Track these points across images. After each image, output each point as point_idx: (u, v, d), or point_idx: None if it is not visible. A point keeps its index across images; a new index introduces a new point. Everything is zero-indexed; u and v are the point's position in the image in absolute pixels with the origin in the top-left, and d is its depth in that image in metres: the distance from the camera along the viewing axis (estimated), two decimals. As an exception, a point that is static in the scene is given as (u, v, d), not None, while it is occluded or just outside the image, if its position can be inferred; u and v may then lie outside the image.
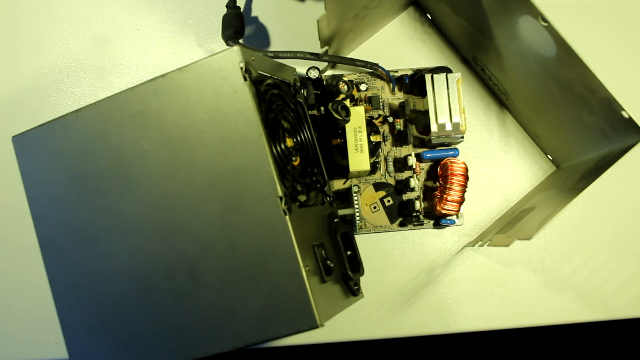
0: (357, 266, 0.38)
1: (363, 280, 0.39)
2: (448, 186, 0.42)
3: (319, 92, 0.43)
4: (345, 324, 0.44)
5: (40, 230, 0.37)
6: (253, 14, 0.47)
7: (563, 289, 0.45)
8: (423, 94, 0.43)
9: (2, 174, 0.46)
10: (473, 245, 0.44)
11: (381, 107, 0.45)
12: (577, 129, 0.38)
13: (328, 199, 0.39)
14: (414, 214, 0.44)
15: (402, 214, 0.44)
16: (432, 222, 0.44)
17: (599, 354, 0.80)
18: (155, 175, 0.34)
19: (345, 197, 0.43)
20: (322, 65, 0.44)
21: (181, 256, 0.33)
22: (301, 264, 0.31)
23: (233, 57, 0.32)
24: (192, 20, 0.47)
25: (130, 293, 0.35)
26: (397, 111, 0.45)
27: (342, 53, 0.45)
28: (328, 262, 0.34)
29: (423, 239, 0.45)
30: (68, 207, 0.36)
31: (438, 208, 0.42)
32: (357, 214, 0.42)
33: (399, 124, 0.45)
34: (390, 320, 0.45)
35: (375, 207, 0.45)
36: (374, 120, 0.44)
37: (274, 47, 0.47)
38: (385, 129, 0.45)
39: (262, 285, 0.32)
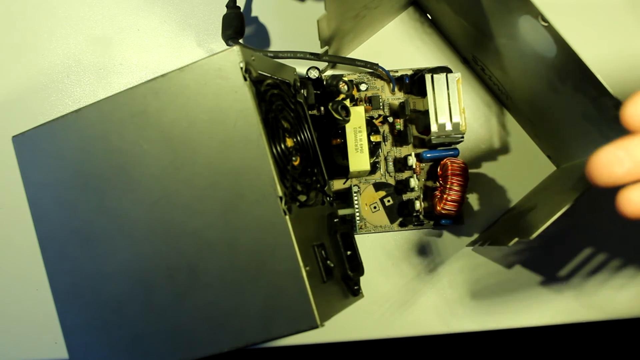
0: (357, 266, 0.38)
1: (363, 280, 0.39)
2: (448, 186, 0.42)
3: (319, 92, 0.44)
4: (345, 324, 0.44)
5: (40, 231, 0.37)
6: (253, 14, 0.47)
7: (563, 289, 0.45)
8: (423, 94, 0.43)
9: (2, 174, 0.46)
10: (473, 245, 0.44)
11: (381, 107, 0.45)
12: (577, 129, 0.38)
13: (328, 199, 0.39)
14: (414, 214, 0.44)
15: (402, 214, 0.44)
16: (432, 222, 0.44)
17: (599, 354, 0.80)
18: (155, 175, 0.34)
19: (345, 197, 0.43)
20: (322, 65, 0.44)
21: (181, 256, 0.33)
22: (301, 264, 0.31)
23: (233, 57, 0.32)
24: (192, 20, 0.47)
25: (131, 293, 0.35)
26: (397, 111, 0.45)
27: (342, 53, 0.45)
28: (328, 262, 0.34)
29: (423, 239, 0.45)
30: (68, 207, 0.36)
31: (438, 208, 0.42)
32: (357, 214, 0.42)
33: (399, 124, 0.45)
34: (390, 320, 0.45)
35: (375, 207, 0.45)
36: (374, 120, 0.44)
37: (274, 47, 0.47)
38: (385, 129, 0.45)
39: (262, 285, 0.32)
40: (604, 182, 0.25)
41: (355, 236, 0.40)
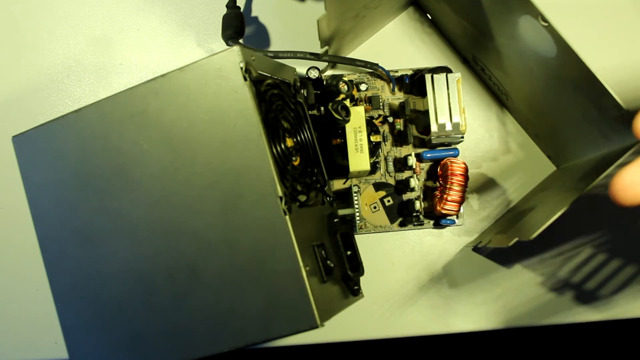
0: (357, 266, 0.38)
1: (363, 280, 0.39)
2: (448, 186, 0.42)
3: (319, 92, 0.43)
4: (345, 324, 0.44)
5: (40, 230, 0.37)
6: (253, 14, 0.47)
7: (563, 289, 0.45)
8: (423, 94, 0.43)
9: (2, 174, 0.46)
10: (473, 245, 0.44)
11: (381, 107, 0.45)
12: (577, 129, 0.38)
13: (328, 199, 0.39)
14: (414, 214, 0.44)
15: (402, 214, 0.44)
16: (432, 222, 0.44)
17: (599, 354, 0.80)
18: (155, 175, 0.34)
19: (345, 197, 0.43)
20: (322, 65, 0.44)
21: (181, 256, 0.33)
22: (301, 264, 0.31)
23: (233, 57, 0.32)
24: (192, 20, 0.47)
25: (131, 293, 0.35)
26: (397, 111, 0.45)
27: (342, 53, 0.45)
28: (328, 262, 0.34)
29: (423, 239, 0.45)
30: (68, 207, 0.36)
31: (438, 208, 0.42)
32: (357, 214, 0.42)
33: (399, 124, 0.45)
34: (390, 320, 0.45)
35: (375, 207, 0.45)
36: (374, 120, 0.44)
37: (274, 47, 0.47)
38: (385, 129, 0.45)
39: (262, 285, 0.32)
40: (629, 203, 0.24)
41: (355, 236, 0.40)
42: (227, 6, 0.43)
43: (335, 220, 0.38)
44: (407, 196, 0.45)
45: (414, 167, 0.43)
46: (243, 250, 0.32)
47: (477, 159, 0.46)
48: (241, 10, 0.44)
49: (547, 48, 0.33)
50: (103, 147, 0.35)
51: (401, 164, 0.45)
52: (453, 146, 0.44)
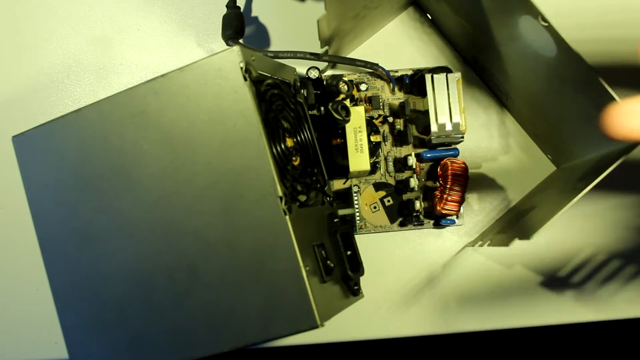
0: (357, 266, 0.38)
1: (363, 280, 0.39)
2: (448, 186, 0.42)
3: (319, 92, 0.43)
4: (345, 324, 0.44)
5: (40, 230, 0.37)
6: (253, 14, 0.47)
7: (563, 289, 0.45)
8: (423, 94, 0.43)
9: (2, 174, 0.46)
10: (473, 245, 0.44)
11: (381, 107, 0.45)
12: (577, 129, 0.38)
13: (328, 199, 0.39)
14: (414, 214, 0.44)
15: (402, 214, 0.44)
16: (432, 222, 0.44)
17: (599, 354, 0.80)
18: (155, 175, 0.34)
19: (345, 197, 0.43)
20: (322, 65, 0.44)
21: (181, 256, 0.33)
22: (301, 264, 0.31)
23: (233, 57, 0.32)
24: (192, 20, 0.47)
25: (131, 293, 0.35)
26: (397, 111, 0.45)
27: (342, 53, 0.45)
28: (328, 262, 0.34)
29: (423, 239, 0.45)
30: (68, 207, 0.36)
31: (438, 208, 0.42)
32: (357, 214, 0.42)
33: (399, 124, 0.45)
34: (390, 320, 0.45)
35: (375, 207, 0.45)
36: (374, 120, 0.44)
37: (274, 47, 0.47)
38: (385, 129, 0.45)
39: (262, 285, 0.32)
40: (620, 136, 0.25)
41: (355, 236, 0.40)
42: (227, 6, 0.43)
43: (335, 220, 0.38)
44: (407, 196, 0.45)
45: (414, 167, 0.43)
46: (243, 250, 0.32)
47: (477, 159, 0.46)
48: (241, 10, 0.44)
49: (547, 48, 0.33)
50: (103, 147, 0.35)
51: (401, 164, 0.45)
52: (453, 146, 0.44)
